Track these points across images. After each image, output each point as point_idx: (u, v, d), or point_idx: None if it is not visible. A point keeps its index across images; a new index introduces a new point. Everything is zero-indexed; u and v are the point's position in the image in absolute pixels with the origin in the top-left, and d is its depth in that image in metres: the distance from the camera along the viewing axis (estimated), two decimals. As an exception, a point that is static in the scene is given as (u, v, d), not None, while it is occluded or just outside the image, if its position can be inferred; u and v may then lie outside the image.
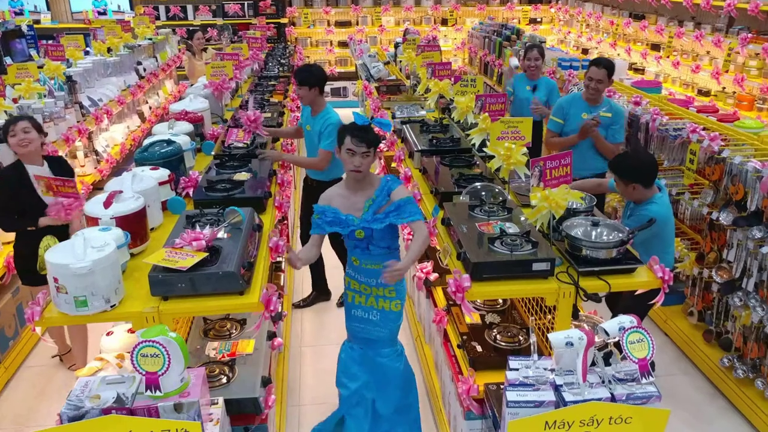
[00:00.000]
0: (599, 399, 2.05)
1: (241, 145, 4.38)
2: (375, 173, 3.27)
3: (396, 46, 9.56)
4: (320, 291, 5.22)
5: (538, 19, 12.58)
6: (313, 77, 4.54)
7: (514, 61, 6.87)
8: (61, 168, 4.00)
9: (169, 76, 8.64)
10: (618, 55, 9.31)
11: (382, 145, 6.06)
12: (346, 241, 3.24)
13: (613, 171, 3.67)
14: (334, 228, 3.14)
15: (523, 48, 8.06)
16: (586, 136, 4.70)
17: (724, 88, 6.99)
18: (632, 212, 3.65)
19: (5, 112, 4.76)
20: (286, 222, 5.23)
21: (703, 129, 4.35)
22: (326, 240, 3.50)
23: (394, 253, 3.22)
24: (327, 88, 12.00)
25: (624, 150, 4.76)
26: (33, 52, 9.46)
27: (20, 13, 11.57)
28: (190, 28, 9.15)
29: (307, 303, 5.14)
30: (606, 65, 4.70)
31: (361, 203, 3.12)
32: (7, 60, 8.29)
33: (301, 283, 5.44)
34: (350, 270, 3.31)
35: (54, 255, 2.48)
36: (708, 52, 7.50)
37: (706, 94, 7.12)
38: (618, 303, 3.75)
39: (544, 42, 8.54)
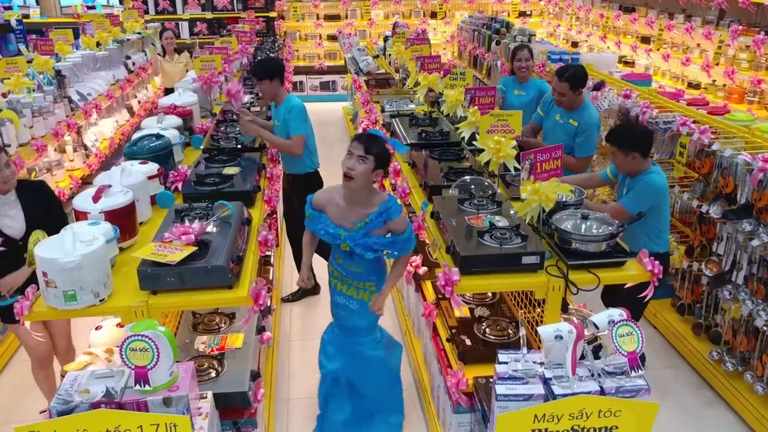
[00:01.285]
0: (588, 392, 2.06)
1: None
2: (380, 192, 3.11)
3: (385, 39, 9.55)
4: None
5: (528, 12, 12.58)
6: (269, 69, 4.52)
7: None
8: (38, 196, 3.36)
9: (156, 72, 8.49)
10: (608, 48, 9.33)
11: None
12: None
13: (612, 141, 3.62)
14: (322, 236, 3.11)
15: (506, 46, 8.07)
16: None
17: (714, 80, 7.02)
18: (630, 186, 3.61)
19: (-6, 106, 4.72)
20: (275, 216, 5.23)
21: (693, 122, 4.36)
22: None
23: (377, 263, 3.21)
24: (316, 82, 12.10)
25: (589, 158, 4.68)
26: (22, 47, 9.39)
27: (9, 7, 11.46)
28: (162, 28, 8.60)
29: (296, 297, 5.14)
30: (569, 77, 4.43)
31: (354, 219, 3.01)
32: (-3, 55, 8.22)
33: (290, 277, 5.44)
34: (333, 261, 3.29)
35: (43, 249, 2.46)
36: (698, 45, 7.52)
37: (697, 86, 7.15)
38: (612, 301, 3.75)
39: (534, 35, 8.53)
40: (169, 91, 7.48)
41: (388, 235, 3.05)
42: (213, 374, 2.92)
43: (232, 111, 4.52)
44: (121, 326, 2.95)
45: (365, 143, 2.92)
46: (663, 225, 3.66)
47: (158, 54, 8.16)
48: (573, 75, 4.47)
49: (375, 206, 2.99)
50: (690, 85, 7.24)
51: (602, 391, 2.08)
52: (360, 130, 6.84)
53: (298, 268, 5.15)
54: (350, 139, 3.02)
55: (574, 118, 4.56)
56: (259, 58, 8.64)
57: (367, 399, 3.45)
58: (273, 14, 12.12)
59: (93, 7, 11.74)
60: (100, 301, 2.52)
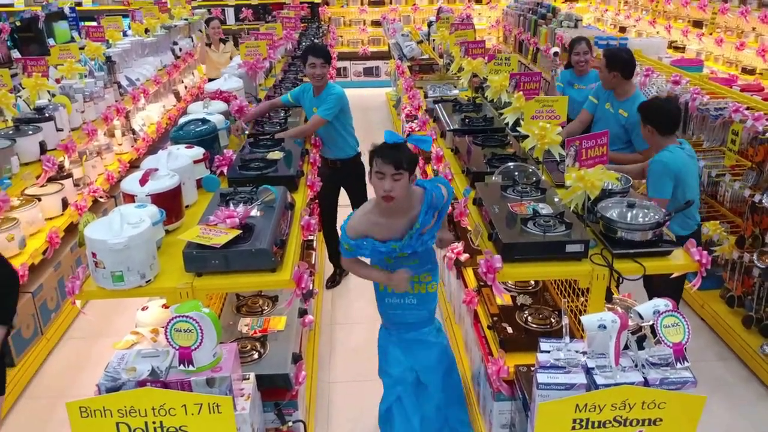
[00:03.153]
0: (632, 383, 2.03)
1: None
2: (415, 188, 2.87)
3: (429, 24, 9.47)
4: (337, 263, 5.22)
5: (576, -3, 12.31)
6: (329, 55, 4.57)
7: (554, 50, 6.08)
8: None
9: (202, 61, 8.56)
10: (657, 33, 9.07)
11: (413, 125, 6.03)
12: None
13: (638, 110, 3.70)
14: (374, 259, 2.96)
15: (551, 31, 7.90)
16: None
17: (770, 66, 6.77)
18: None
19: (48, 92, 4.86)
20: (317, 201, 5.26)
21: (747, 108, 4.22)
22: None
23: (431, 245, 3.02)
24: (360, 68, 12.11)
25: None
26: (75, 34, 9.63)
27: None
28: (207, 16, 8.58)
29: (336, 282, 5.17)
30: (606, 54, 4.45)
31: (402, 227, 2.84)
32: (51, 41, 8.45)
33: (325, 261, 5.47)
34: (380, 263, 3.08)
35: (92, 230, 2.53)
36: (754, 29, 7.25)
37: (751, 72, 6.90)
38: (649, 284, 3.68)
39: (581, 20, 8.34)
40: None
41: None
42: (255, 356, 2.97)
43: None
44: (167, 307, 3.01)
45: (394, 160, 2.66)
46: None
47: (205, 44, 8.12)
48: (612, 54, 4.47)
49: (418, 206, 2.83)
50: (744, 71, 6.99)
51: (646, 383, 2.04)
52: (402, 117, 6.82)
53: (327, 249, 5.24)
54: (373, 156, 2.76)
55: (625, 108, 4.44)
56: (308, 42, 8.68)
57: (435, 395, 3.23)
58: (318, 0, 12.14)
59: (142, -6, 11.95)
60: (147, 282, 2.58)
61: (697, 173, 3.71)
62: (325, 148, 4.82)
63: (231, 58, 7.44)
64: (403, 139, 2.74)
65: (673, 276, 2.93)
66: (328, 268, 5.40)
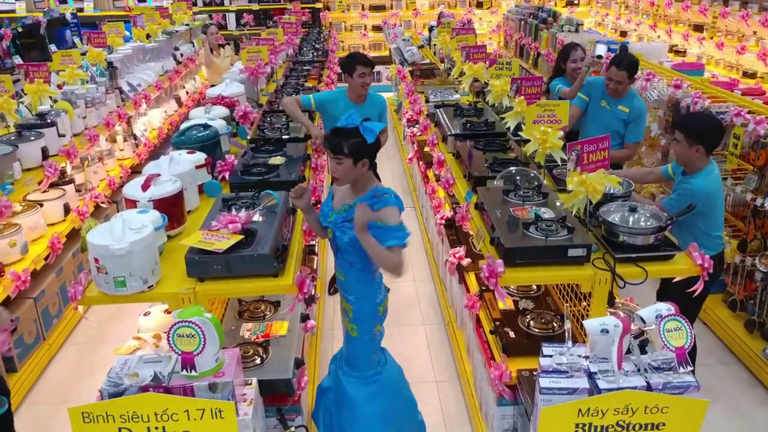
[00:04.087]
0: (634, 387, 2.02)
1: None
2: (379, 185, 2.93)
3: (430, 29, 9.49)
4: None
5: (575, 1, 12.32)
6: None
7: (602, 48, 5.65)
8: None
9: (208, 64, 8.57)
10: (658, 36, 9.08)
11: (415, 130, 6.02)
12: None
13: (680, 128, 3.43)
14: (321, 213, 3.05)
15: (552, 35, 7.90)
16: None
17: (771, 70, 6.76)
18: (677, 186, 3.49)
19: (50, 98, 4.87)
20: (319, 206, 5.26)
21: (749, 112, 4.22)
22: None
23: (357, 272, 2.95)
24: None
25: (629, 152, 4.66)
26: (76, 40, 9.66)
27: (64, 1, 11.81)
28: (206, 22, 8.51)
29: (337, 289, 5.08)
30: (627, 66, 4.45)
31: (342, 203, 2.93)
32: (52, 47, 8.48)
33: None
34: None
35: (95, 236, 2.53)
36: (755, 33, 7.25)
37: (752, 76, 6.90)
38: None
39: (581, 25, 8.36)
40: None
41: None
42: (258, 361, 2.97)
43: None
44: (169, 312, 3.02)
45: (332, 146, 2.77)
46: (711, 228, 3.49)
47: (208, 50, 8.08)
48: (630, 63, 4.49)
49: (364, 192, 2.87)
50: (745, 75, 6.99)
51: (649, 387, 2.04)
52: (404, 121, 6.83)
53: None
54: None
55: (624, 104, 4.56)
56: (309, 48, 8.67)
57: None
58: (319, 5, 12.17)
59: (144, 1, 12.00)
60: (149, 287, 2.59)
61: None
62: None
63: (232, 64, 7.45)
64: (356, 125, 2.78)
65: (694, 294, 2.89)
66: (330, 273, 5.39)
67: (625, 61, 4.48)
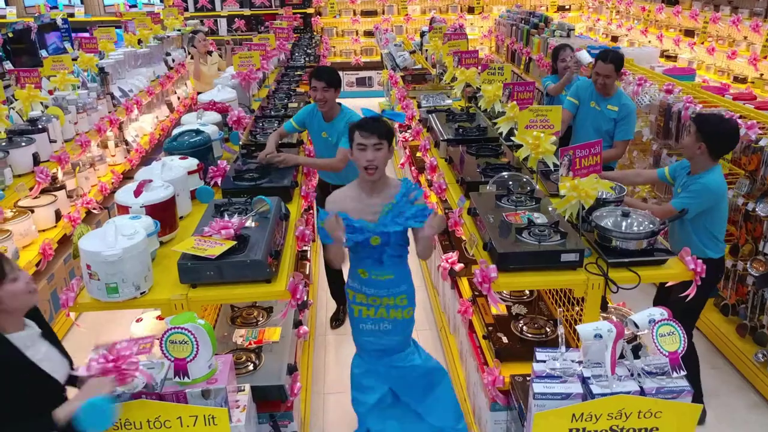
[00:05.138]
0: (628, 392, 2.03)
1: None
2: (392, 177, 3.02)
3: (422, 35, 9.51)
4: (340, 301, 4.90)
5: (567, 6, 12.39)
6: (338, 78, 4.17)
7: (585, 55, 5.74)
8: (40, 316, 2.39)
9: (197, 76, 8.48)
10: (649, 42, 9.15)
11: (407, 135, 6.02)
12: (354, 251, 3.00)
13: (696, 120, 3.43)
14: (349, 236, 2.89)
15: (544, 41, 7.94)
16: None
17: (762, 74, 6.81)
18: (684, 185, 3.46)
19: (41, 103, 4.85)
20: (311, 211, 5.26)
21: (740, 117, 4.25)
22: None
23: (405, 260, 3.05)
24: (353, 78, 12.13)
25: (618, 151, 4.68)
26: (67, 45, 9.63)
27: (55, 6, 11.79)
28: (195, 28, 8.27)
29: (340, 321, 4.82)
30: (613, 59, 4.51)
31: (378, 206, 2.90)
32: (43, 53, 8.45)
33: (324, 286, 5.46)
34: (355, 284, 3.08)
35: (86, 242, 2.52)
36: (745, 38, 7.32)
37: (743, 81, 6.96)
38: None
39: (573, 30, 8.40)
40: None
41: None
42: (251, 367, 2.95)
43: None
44: (161, 319, 3.00)
45: (376, 130, 2.82)
46: (718, 229, 3.47)
47: (191, 57, 7.83)
48: (616, 56, 4.57)
49: (396, 188, 2.92)
50: (736, 80, 7.05)
51: (642, 392, 2.04)
52: (396, 126, 6.83)
53: (333, 293, 4.86)
54: (353, 131, 2.87)
55: (613, 103, 4.62)
56: (300, 53, 8.67)
57: (420, 411, 3.24)
58: (310, 11, 12.19)
59: (135, 6, 11.99)
60: (141, 293, 2.57)
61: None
62: (329, 172, 4.39)
63: (219, 70, 7.38)
64: (379, 114, 2.92)
65: (688, 298, 2.90)
66: (322, 279, 5.38)
67: (611, 55, 4.56)
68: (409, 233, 3.02)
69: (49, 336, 2.37)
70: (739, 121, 4.16)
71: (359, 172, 2.92)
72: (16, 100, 4.78)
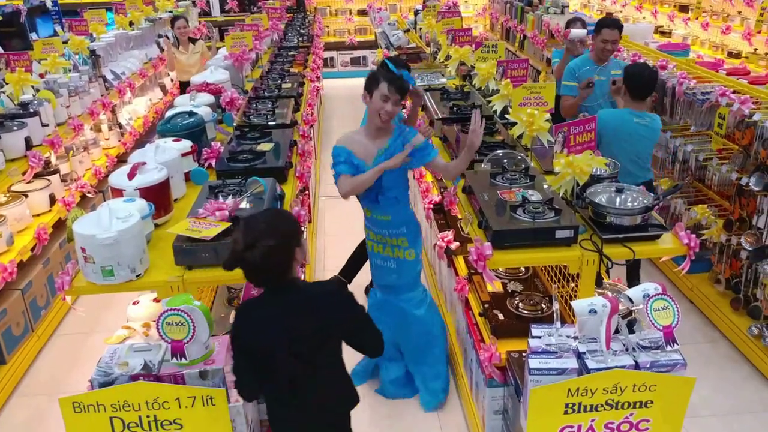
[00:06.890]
0: (623, 366, 2.05)
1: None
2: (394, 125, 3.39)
3: (416, 13, 9.43)
4: (346, 276, 4.76)
5: (562, -17, 12.28)
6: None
7: (580, 32, 5.45)
8: None
9: (171, 67, 8.11)
10: (644, 18, 9.08)
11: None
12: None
13: (625, 68, 4.13)
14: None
15: (538, 18, 7.89)
16: (589, 91, 4.75)
17: (756, 49, 6.78)
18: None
19: (32, 87, 4.80)
20: (307, 192, 5.25)
21: (733, 92, 4.24)
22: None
23: (402, 204, 3.40)
24: (347, 57, 12.05)
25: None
26: (58, 28, 9.52)
27: (44, -12, 11.61)
28: (174, 16, 7.88)
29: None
30: (618, 24, 4.79)
31: (374, 152, 3.25)
32: (33, 36, 8.35)
33: (323, 253, 5.47)
34: (366, 221, 3.54)
35: (81, 225, 2.51)
36: (739, 13, 7.27)
37: (737, 56, 6.92)
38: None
39: (567, 6, 8.33)
40: (184, 85, 6.84)
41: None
42: (248, 348, 2.96)
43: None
44: (158, 301, 3.01)
45: (403, 91, 3.16)
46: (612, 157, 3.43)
47: (172, 44, 7.37)
48: (618, 22, 4.83)
49: (391, 133, 3.27)
50: (730, 55, 7.01)
51: (637, 366, 2.06)
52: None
53: (349, 260, 4.71)
54: (379, 79, 3.14)
55: (614, 68, 4.82)
56: (294, 33, 8.56)
57: (408, 358, 3.69)
58: (303, -10, 12.06)
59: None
60: (137, 276, 2.58)
61: (640, 141, 3.99)
62: None
63: (205, 60, 7.05)
64: (400, 74, 3.26)
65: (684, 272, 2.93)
66: (318, 260, 5.39)
67: (613, 20, 4.83)
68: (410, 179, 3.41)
69: None
70: (732, 96, 4.16)
71: (370, 115, 3.22)
72: (6, 84, 4.73)
